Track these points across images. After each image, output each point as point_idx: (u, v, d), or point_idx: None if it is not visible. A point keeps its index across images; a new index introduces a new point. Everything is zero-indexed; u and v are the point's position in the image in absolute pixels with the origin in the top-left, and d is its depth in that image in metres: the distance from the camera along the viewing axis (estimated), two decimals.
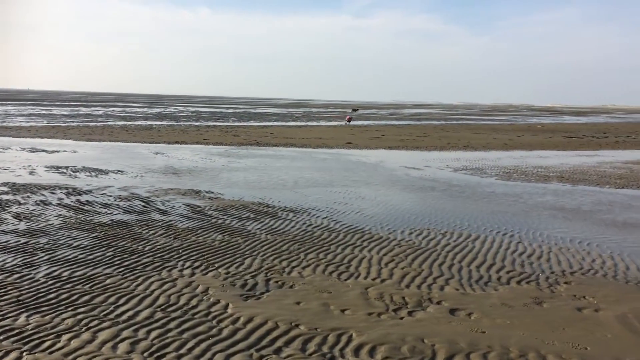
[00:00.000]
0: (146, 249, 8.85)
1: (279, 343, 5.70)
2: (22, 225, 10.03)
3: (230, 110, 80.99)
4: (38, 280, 7.29)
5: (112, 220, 10.68)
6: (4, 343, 5.50)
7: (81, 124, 39.59)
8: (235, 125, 43.90)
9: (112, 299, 6.74)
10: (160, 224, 10.51)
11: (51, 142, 26.35)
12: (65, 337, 5.68)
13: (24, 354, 5.31)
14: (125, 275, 7.59)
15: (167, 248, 8.93)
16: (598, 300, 7.09)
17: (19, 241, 9.01)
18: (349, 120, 55.33)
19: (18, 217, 10.67)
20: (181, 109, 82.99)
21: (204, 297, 6.86)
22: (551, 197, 14.51)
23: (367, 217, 11.70)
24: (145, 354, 5.38)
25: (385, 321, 6.30)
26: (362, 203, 13.18)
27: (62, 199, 12.55)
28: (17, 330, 5.77)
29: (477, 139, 35.34)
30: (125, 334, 5.79)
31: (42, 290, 6.95)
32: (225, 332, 5.90)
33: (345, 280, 7.70)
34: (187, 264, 8.18)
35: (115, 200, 12.53)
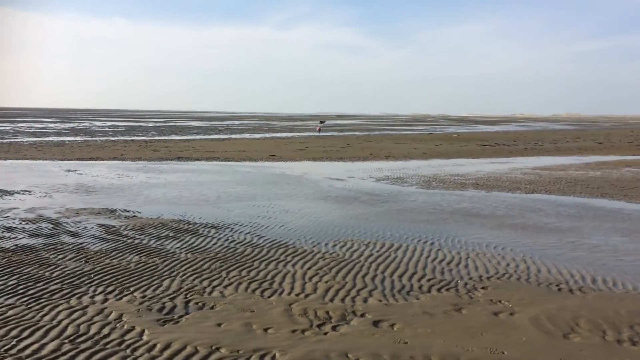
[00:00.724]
0: (54, 275, 8.26)
1: None
2: None
3: (150, 124, 78.57)
4: None
5: (16, 245, 9.91)
6: None
7: None
8: (155, 140, 42.58)
9: (14, 332, 6.20)
10: (70, 247, 9.88)
11: None
12: None
13: None
14: (29, 305, 7.02)
15: (78, 273, 8.38)
16: (513, 303, 7.35)
17: None
18: (319, 130, 61.35)
19: None
20: (97, 123, 79.57)
21: (118, 325, 6.46)
22: (468, 204, 15.05)
23: (291, 230, 11.60)
24: None
25: (309, 338, 6.19)
26: (286, 216, 13.07)
27: None
28: None
29: (398, 148, 36.28)
30: None
31: None
32: None
33: (269, 297, 7.53)
34: (100, 289, 7.70)
35: (20, 224, 11.67)
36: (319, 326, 6.53)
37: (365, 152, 33.00)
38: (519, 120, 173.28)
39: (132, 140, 41.00)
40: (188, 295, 7.51)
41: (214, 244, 10.33)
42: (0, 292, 7.48)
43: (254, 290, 7.78)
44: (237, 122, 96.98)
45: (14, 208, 13.36)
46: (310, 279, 8.35)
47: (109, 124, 78.05)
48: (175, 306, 7.12)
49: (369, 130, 69.04)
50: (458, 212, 13.86)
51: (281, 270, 8.78)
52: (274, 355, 5.74)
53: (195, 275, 8.41)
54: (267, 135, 53.45)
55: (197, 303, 7.25)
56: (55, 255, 9.33)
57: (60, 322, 6.53)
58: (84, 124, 74.05)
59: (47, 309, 6.93)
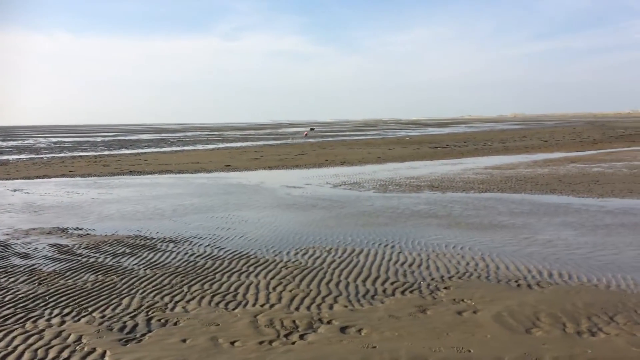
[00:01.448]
0: (6, 299, 7.88)
1: None
2: None
3: (99, 139, 76.43)
4: None
5: None
6: None
7: None
8: (104, 155, 41.44)
9: None
10: (21, 269, 9.46)
11: None
12: None
13: None
14: None
15: (31, 296, 8.03)
16: (475, 302, 7.49)
17: None
18: (306, 135, 68.58)
19: None
20: (42, 140, 76.76)
21: (77, 347, 6.22)
22: (424, 205, 15.30)
23: (251, 240, 11.48)
24: None
25: (276, 349, 6.13)
26: (245, 227, 12.93)
27: None
28: None
29: (352, 154, 36.57)
30: None
31: None
32: None
33: (233, 309, 7.42)
34: (56, 311, 7.40)
35: None
36: (286, 336, 6.48)
37: (321, 158, 33.11)
38: (468, 122, 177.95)
39: (81, 156, 39.78)
40: (149, 313, 7.31)
41: (174, 259, 10.11)
42: None
43: (217, 304, 7.65)
44: (189, 134, 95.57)
45: None
46: (274, 288, 8.27)
47: (54, 140, 75.46)
48: (136, 324, 6.91)
49: (323, 137, 69.34)
50: (416, 214, 14.06)
51: (244, 281, 8.67)
52: None
53: (156, 292, 8.20)
54: (221, 145, 52.90)
55: (159, 320, 7.06)
56: (5, 278, 8.91)
57: (16, 347, 6.23)
58: (28, 141, 71.31)
59: (1, 334, 6.59)
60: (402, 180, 21.39)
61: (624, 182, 18.97)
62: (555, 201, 15.54)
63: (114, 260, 10.04)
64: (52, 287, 8.45)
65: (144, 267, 9.58)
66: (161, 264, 9.74)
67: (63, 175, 25.77)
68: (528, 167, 25.04)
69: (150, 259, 10.13)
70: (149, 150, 47.06)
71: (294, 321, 6.92)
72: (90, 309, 7.47)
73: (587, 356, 5.74)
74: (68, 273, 9.21)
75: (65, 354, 6.05)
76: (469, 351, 5.92)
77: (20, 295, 8.05)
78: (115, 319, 7.09)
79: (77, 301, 7.80)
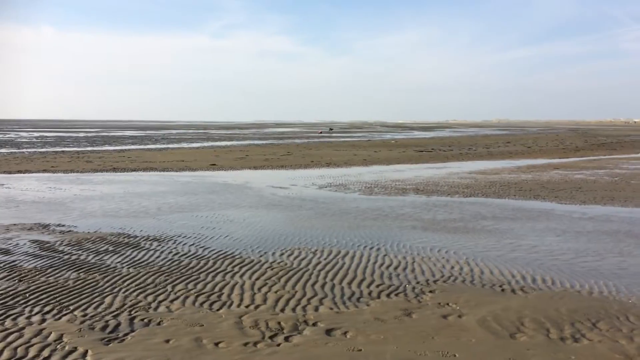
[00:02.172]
0: None
1: None
2: None
3: (82, 135, 75.56)
4: None
5: None
6: None
7: None
8: (87, 151, 40.96)
9: None
10: (1, 265, 9.29)
11: None
12: None
13: None
14: None
15: (11, 293, 7.88)
16: (460, 306, 7.51)
17: None
18: (320, 133, 72.45)
19: None
20: (23, 134, 75.68)
21: (58, 346, 6.11)
22: (410, 209, 15.34)
23: (237, 240, 11.41)
24: None
25: (261, 350, 6.08)
26: (230, 226, 12.85)
27: None
28: None
29: (338, 155, 36.59)
30: None
31: None
32: None
33: (218, 310, 7.35)
34: (36, 309, 7.27)
35: None
36: (271, 337, 6.43)
37: (307, 159, 33.07)
38: (453, 126, 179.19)
39: (63, 152, 39.27)
40: (132, 312, 7.22)
41: (157, 257, 10.00)
42: None
43: (202, 304, 7.58)
44: (174, 132, 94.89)
45: None
46: (259, 289, 8.22)
47: (36, 134, 74.42)
48: (119, 324, 6.82)
49: (309, 138, 69.31)
50: (401, 217, 14.09)
51: (229, 281, 8.60)
52: None
53: (139, 291, 8.10)
54: (206, 144, 52.60)
55: (142, 319, 6.97)
56: None
57: None
58: (9, 135, 70.26)
59: None
60: (388, 182, 21.44)
61: (606, 189, 19.23)
62: (538, 207, 15.69)
63: (97, 257, 9.90)
64: (32, 284, 8.31)
65: (127, 265, 9.46)
66: (145, 263, 9.63)
67: (45, 171, 25.41)
68: (512, 173, 25.26)
69: (133, 257, 10.01)
70: (133, 147, 46.61)
71: (279, 323, 6.88)
72: (71, 307, 7.35)
73: None
74: (49, 270, 9.06)
75: (45, 353, 5.95)
76: (455, 355, 5.93)
77: (0, 292, 7.89)
78: (97, 318, 6.98)
79: (58, 299, 7.67)
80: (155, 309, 7.37)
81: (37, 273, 8.88)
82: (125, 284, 8.42)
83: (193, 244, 11.03)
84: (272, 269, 9.27)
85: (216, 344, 6.23)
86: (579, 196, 17.62)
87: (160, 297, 7.82)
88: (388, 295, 7.97)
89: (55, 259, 9.78)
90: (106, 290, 8.11)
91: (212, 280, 8.67)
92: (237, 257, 10.07)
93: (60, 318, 6.97)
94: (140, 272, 9.02)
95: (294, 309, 7.39)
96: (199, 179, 22.65)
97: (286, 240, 11.42)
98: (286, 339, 6.40)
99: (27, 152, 38.64)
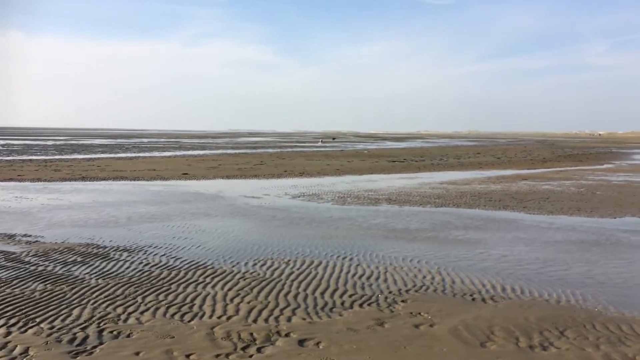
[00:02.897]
0: None
1: None
2: None
3: (50, 143, 74.01)
4: None
5: None
6: None
7: None
8: (55, 159, 40.12)
9: None
10: None
11: None
12: None
13: None
14: None
15: None
16: (432, 315, 7.58)
17: None
18: (321, 141, 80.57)
19: None
20: None
21: None
22: (382, 218, 15.44)
23: (209, 250, 11.30)
24: None
25: None
26: (203, 236, 12.73)
27: None
28: None
29: (311, 165, 36.64)
30: None
31: None
32: None
33: (189, 321, 7.26)
34: (1, 321, 7.08)
35: None
36: (243, 349, 6.38)
37: (280, 169, 33.03)
38: (424, 137, 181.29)
39: (31, 160, 38.39)
40: (101, 324, 7.07)
41: (127, 268, 9.84)
42: None
43: (173, 315, 7.48)
44: (145, 140, 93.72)
45: None
46: (231, 300, 8.15)
47: (2, 142, 72.61)
48: (87, 336, 6.67)
49: (282, 147, 69.28)
50: (374, 226, 14.18)
51: (201, 292, 8.51)
52: None
53: (108, 302, 7.95)
54: (178, 153, 52.07)
55: (111, 332, 6.84)
56: None
57: None
58: None
59: None
60: (361, 192, 21.55)
61: (572, 200, 19.69)
62: (508, 217, 15.97)
63: (64, 269, 9.69)
64: None
65: (95, 276, 9.28)
66: (114, 274, 9.46)
67: (11, 180, 24.79)
68: (482, 183, 25.67)
69: (102, 268, 9.82)
70: (103, 155, 45.86)
71: (251, 334, 6.83)
72: (38, 320, 7.17)
73: None
74: (15, 282, 8.82)
75: None
76: None
77: None
78: (64, 331, 6.82)
79: (24, 311, 7.47)
80: (125, 320, 7.24)
81: (2, 284, 8.64)
82: (94, 295, 8.26)
83: (164, 255, 10.88)
84: (244, 280, 9.21)
85: (187, 356, 6.14)
86: (547, 206, 18.00)
87: (130, 309, 7.68)
88: (361, 305, 8.00)
89: (21, 270, 9.53)
90: (74, 302, 7.93)
91: (183, 291, 8.57)
92: (209, 267, 9.97)
93: (26, 331, 6.79)
94: (109, 284, 8.86)
95: (266, 320, 7.35)
96: (171, 188, 22.39)
97: (259, 251, 11.37)
98: (258, 350, 6.36)
99: None
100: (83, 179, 25.67)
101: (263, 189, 22.82)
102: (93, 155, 45.24)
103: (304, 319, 7.41)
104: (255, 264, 10.25)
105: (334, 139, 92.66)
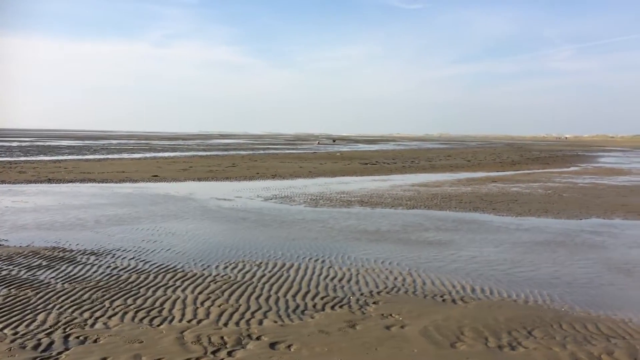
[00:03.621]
0: None
1: None
2: None
3: (14, 144, 72.11)
4: None
5: None
6: None
7: None
8: (21, 161, 39.12)
9: None
10: None
11: None
12: None
13: None
14: None
15: None
16: (403, 316, 7.62)
17: None
18: (318, 143, 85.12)
19: None
20: None
21: None
22: (354, 220, 15.49)
23: (179, 254, 11.16)
24: None
25: None
26: (173, 239, 12.56)
27: None
28: None
29: (284, 167, 36.56)
30: None
31: None
32: None
33: (158, 325, 7.14)
34: None
35: None
36: (213, 353, 6.31)
37: (252, 171, 32.86)
38: (397, 140, 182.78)
39: None
40: (67, 329, 6.91)
41: (95, 272, 9.63)
42: None
43: (141, 320, 7.35)
44: (114, 142, 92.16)
45: None
46: (202, 303, 8.06)
47: None
48: (52, 342, 6.50)
49: (254, 149, 68.95)
50: (346, 229, 14.21)
51: (170, 296, 8.39)
52: None
53: (75, 307, 7.77)
54: (148, 155, 51.34)
55: (78, 337, 6.68)
56: None
57: None
58: None
59: None
60: (333, 195, 21.58)
61: (540, 202, 20.09)
62: (477, 219, 16.20)
63: (29, 273, 9.43)
64: None
65: (62, 280, 9.06)
66: (81, 278, 9.25)
67: None
68: (453, 186, 25.99)
69: (69, 272, 9.60)
70: (70, 157, 44.91)
71: (222, 337, 6.76)
72: (1, 326, 6.95)
73: None
74: None
75: None
76: None
77: None
78: (29, 336, 6.64)
79: None
80: (92, 325, 7.08)
81: None
82: (60, 300, 8.06)
83: (133, 258, 10.70)
84: (215, 283, 9.11)
85: None
86: (516, 208, 18.32)
87: (98, 314, 7.52)
88: (332, 307, 7.99)
89: None
90: (39, 307, 7.73)
91: (152, 295, 8.43)
92: (179, 270, 9.84)
93: None
94: (76, 288, 8.66)
95: (237, 323, 7.28)
96: (140, 191, 22.05)
97: (230, 253, 11.27)
98: (229, 353, 6.29)
99: None
100: (49, 181, 25.08)
101: (235, 191, 22.66)
102: (60, 157, 44.26)
103: (275, 321, 7.37)
104: (226, 267, 10.15)
105: (334, 141, 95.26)
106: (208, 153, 57.01)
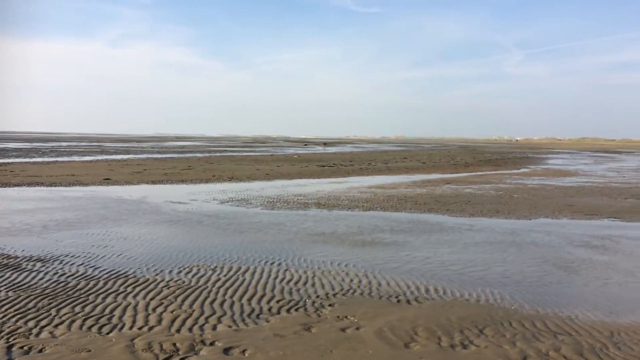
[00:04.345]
0: None
1: None
2: None
3: None
4: None
5: None
6: None
7: None
8: None
9: None
10: None
11: None
12: None
13: None
14: None
15: None
16: (358, 318, 7.65)
17: None
18: (305, 145, 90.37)
19: None
20: None
21: None
22: (311, 223, 15.48)
23: (131, 259, 10.87)
24: None
25: None
26: (124, 244, 12.23)
27: None
28: None
29: (241, 170, 36.25)
30: None
31: None
32: None
33: (108, 333, 6.93)
34: None
35: None
36: None
37: (208, 174, 32.43)
38: (354, 142, 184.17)
39: None
40: (10, 339, 6.61)
41: (41, 279, 9.27)
42: None
43: (90, 328, 7.11)
44: (64, 144, 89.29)
45: None
46: (154, 309, 7.87)
47: None
48: None
49: (210, 152, 68.11)
50: (302, 231, 14.18)
51: (121, 302, 8.15)
52: None
53: (19, 316, 7.45)
54: (100, 157, 49.99)
55: (21, 347, 6.40)
56: None
57: None
58: None
59: None
60: (290, 197, 21.53)
61: (492, 202, 20.60)
62: (432, 220, 16.47)
63: None
64: None
65: (5, 288, 8.68)
66: (26, 285, 8.89)
67: None
68: (408, 187, 26.36)
69: (13, 279, 9.21)
70: (16, 160, 43.23)
71: (174, 344, 6.61)
72: None
73: None
74: None
75: None
76: None
77: None
78: None
79: None
80: (37, 335, 6.81)
81: None
82: (3, 309, 7.71)
83: (82, 264, 10.36)
84: (168, 288, 8.92)
85: None
86: (468, 209, 18.72)
87: (43, 322, 7.24)
88: (288, 311, 7.95)
89: None
90: None
91: (102, 302, 8.18)
92: (130, 276, 9.59)
93: None
94: (20, 296, 8.31)
95: (190, 329, 7.14)
96: (91, 194, 21.41)
97: (184, 258, 11.06)
98: None
99: None
100: None
101: (190, 194, 22.31)
102: (6, 160, 42.54)
103: (229, 326, 7.27)
104: (180, 272, 9.96)
105: (325, 144, 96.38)
106: (163, 155, 55.95)
